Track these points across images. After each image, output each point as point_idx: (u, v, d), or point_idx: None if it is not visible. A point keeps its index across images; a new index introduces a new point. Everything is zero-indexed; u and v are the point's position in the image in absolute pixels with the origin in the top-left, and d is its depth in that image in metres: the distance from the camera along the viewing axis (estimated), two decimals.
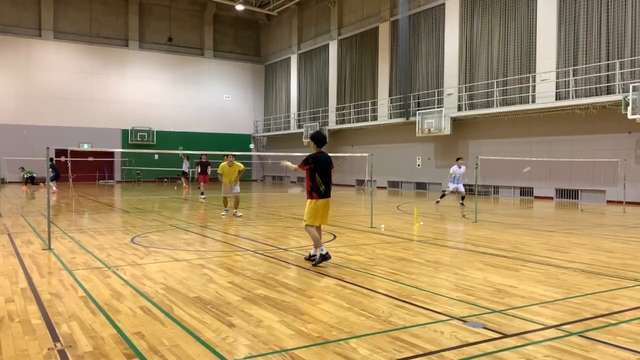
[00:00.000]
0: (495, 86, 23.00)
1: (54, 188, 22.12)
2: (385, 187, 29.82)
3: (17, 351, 3.85)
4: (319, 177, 7.35)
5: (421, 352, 3.86)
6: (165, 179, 37.55)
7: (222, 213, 13.96)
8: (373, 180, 13.50)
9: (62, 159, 22.41)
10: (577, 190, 20.76)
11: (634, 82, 17.78)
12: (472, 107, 24.37)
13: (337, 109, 33.51)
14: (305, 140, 33.92)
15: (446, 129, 24.46)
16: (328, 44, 34.59)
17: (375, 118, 30.08)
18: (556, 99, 20.69)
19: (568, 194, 21.09)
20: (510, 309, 5.06)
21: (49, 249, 8.43)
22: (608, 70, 19.30)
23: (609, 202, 19.56)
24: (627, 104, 17.53)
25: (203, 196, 19.59)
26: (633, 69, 18.48)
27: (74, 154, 31.34)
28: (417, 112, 26.13)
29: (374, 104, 30.36)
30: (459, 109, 24.77)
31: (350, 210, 16.30)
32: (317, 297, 5.51)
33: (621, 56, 18.89)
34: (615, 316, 4.84)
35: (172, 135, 37.73)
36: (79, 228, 11.46)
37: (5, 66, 32.95)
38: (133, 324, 4.51)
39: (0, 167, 29.82)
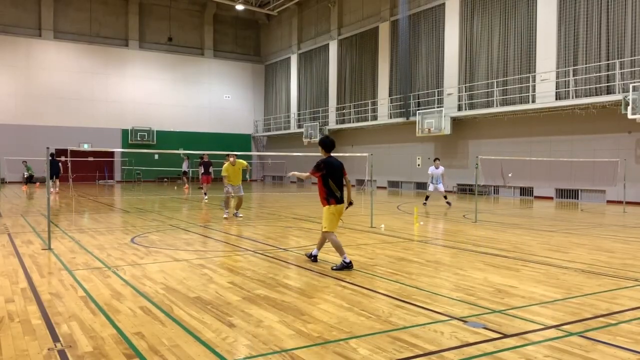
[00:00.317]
0: (495, 86, 23.00)
1: (56, 189, 22.02)
2: (385, 187, 29.83)
3: (17, 351, 3.85)
4: (333, 182, 7.10)
5: (421, 352, 3.85)
6: (165, 179, 37.56)
7: (224, 215, 13.48)
8: (373, 180, 13.49)
9: (62, 158, 22.35)
10: (577, 190, 20.76)
11: (634, 82, 17.78)
12: (472, 107, 24.37)
13: (337, 109, 33.52)
14: (306, 140, 33.94)
15: (446, 128, 24.46)
16: (328, 44, 34.60)
17: (375, 118, 30.08)
18: (556, 99, 20.70)
19: (568, 194, 21.09)
20: (510, 309, 5.05)
21: (49, 249, 8.42)
22: (608, 70, 19.30)
23: (609, 202, 19.56)
24: (627, 104, 17.53)
25: (206, 197, 19.56)
26: (633, 69, 18.48)
27: (74, 153, 31.33)
28: (417, 112, 26.13)
29: (374, 103, 30.36)
30: (459, 108, 24.77)
31: (350, 210, 16.23)
32: (317, 297, 5.51)
33: (621, 56, 18.89)
34: (615, 316, 4.83)
35: (172, 135, 37.74)
36: (79, 228, 11.46)
37: (5, 66, 32.96)
38: (133, 324, 4.51)
39: (0, 167, 29.83)
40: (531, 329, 4.45)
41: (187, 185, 27.85)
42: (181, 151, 28.03)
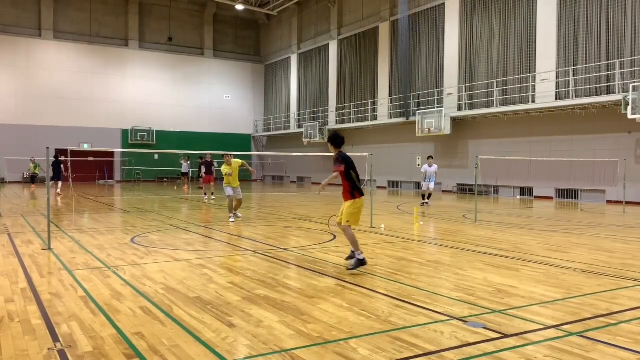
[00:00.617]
0: (495, 86, 23.00)
1: (58, 190, 21.95)
2: (385, 187, 29.83)
3: (17, 351, 3.85)
4: (354, 173, 7.07)
5: (421, 352, 3.85)
6: (165, 179, 37.57)
7: (231, 220, 12.91)
8: (373, 180, 13.48)
9: (62, 158, 22.34)
10: (577, 190, 20.76)
11: (634, 82, 17.78)
12: (472, 107, 24.37)
13: (337, 109, 33.52)
14: (305, 140, 33.94)
15: (446, 128, 24.46)
16: (328, 44, 34.60)
17: (375, 118, 30.08)
18: (556, 99, 20.69)
19: (568, 194, 21.09)
20: (510, 309, 5.05)
21: (49, 249, 8.42)
22: (608, 70, 19.30)
23: (609, 202, 19.56)
24: (627, 104, 17.53)
25: (213, 197, 19.51)
26: (633, 69, 18.47)
27: (74, 153, 31.34)
28: (417, 112, 26.13)
29: (374, 103, 30.36)
30: (459, 108, 24.77)
31: None
32: (317, 297, 5.50)
33: (621, 56, 18.89)
34: (615, 316, 4.83)
35: (172, 135, 37.75)
36: (79, 228, 11.46)
37: (5, 66, 32.96)
38: (133, 324, 4.51)
39: (0, 167, 29.82)
40: (531, 329, 4.45)
41: (187, 186, 27.87)
42: (181, 151, 28.07)
